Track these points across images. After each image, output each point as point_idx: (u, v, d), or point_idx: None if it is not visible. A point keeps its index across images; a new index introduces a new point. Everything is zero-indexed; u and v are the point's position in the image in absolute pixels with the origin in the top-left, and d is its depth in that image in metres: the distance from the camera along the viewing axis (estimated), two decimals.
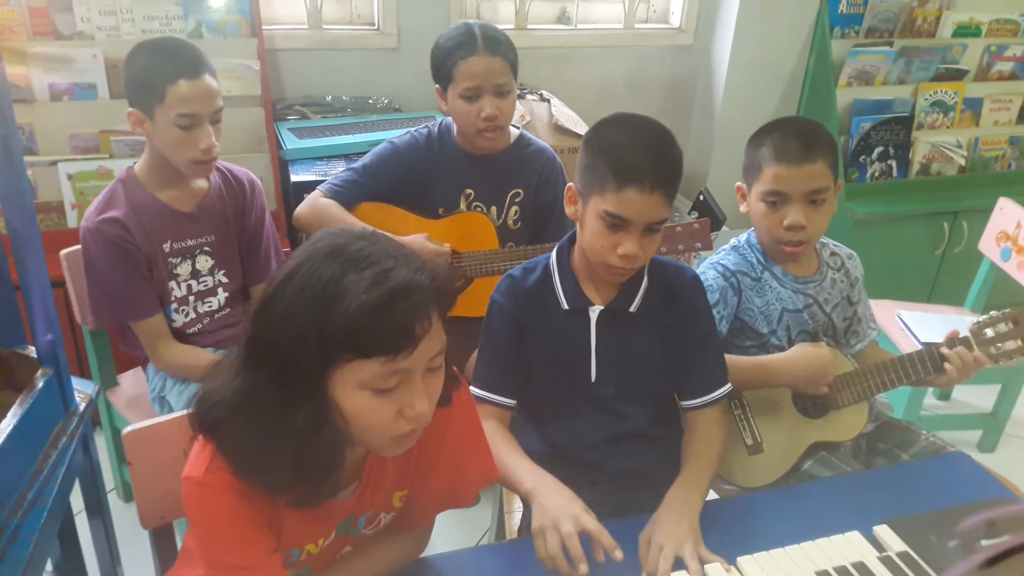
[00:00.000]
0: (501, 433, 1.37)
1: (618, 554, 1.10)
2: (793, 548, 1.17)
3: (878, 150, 3.23)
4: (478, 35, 1.88)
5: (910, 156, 3.28)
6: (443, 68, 1.91)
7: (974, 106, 3.35)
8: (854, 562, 1.15)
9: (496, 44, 1.89)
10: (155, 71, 1.63)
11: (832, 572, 1.13)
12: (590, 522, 1.13)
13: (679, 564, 1.15)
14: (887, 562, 1.15)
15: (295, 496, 0.95)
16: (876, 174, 3.26)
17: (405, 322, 0.86)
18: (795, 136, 1.50)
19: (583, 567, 1.09)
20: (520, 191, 2.07)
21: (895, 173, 3.28)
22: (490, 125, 1.92)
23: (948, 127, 3.33)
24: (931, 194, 3.24)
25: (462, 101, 1.90)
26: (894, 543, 1.18)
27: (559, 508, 1.15)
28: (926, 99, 3.27)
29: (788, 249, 1.54)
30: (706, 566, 1.15)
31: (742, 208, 1.63)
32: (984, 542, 1.15)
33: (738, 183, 1.62)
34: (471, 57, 1.87)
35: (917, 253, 3.16)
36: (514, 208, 2.07)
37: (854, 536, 1.20)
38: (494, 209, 2.06)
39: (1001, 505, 1.26)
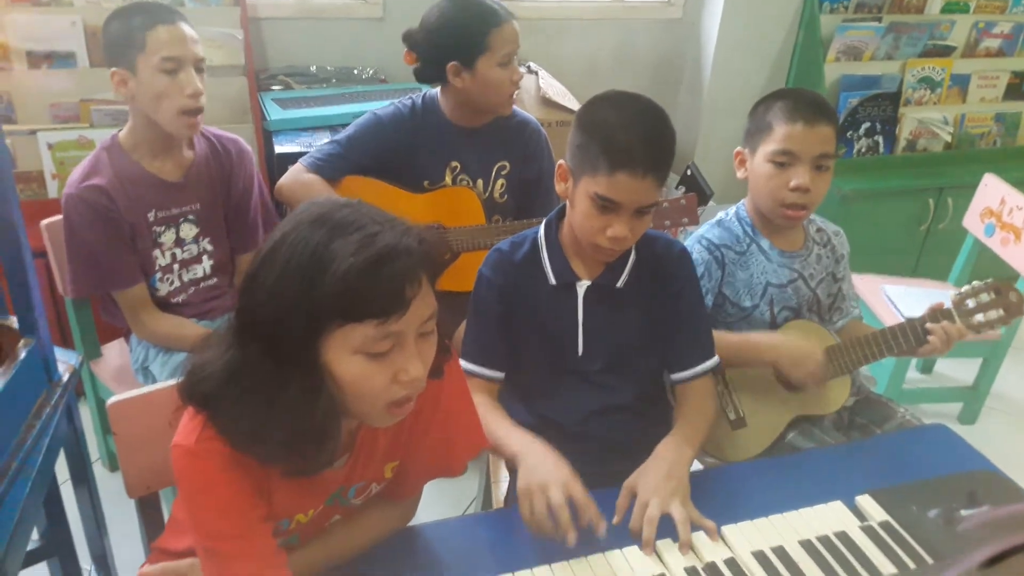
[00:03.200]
0: (489, 403, 1.37)
1: (601, 529, 1.11)
2: (776, 517, 1.18)
3: (865, 126, 3.24)
4: (494, 4, 1.90)
5: (897, 132, 3.29)
6: (472, 39, 1.87)
7: (961, 83, 3.36)
8: (836, 531, 1.16)
9: (508, 11, 1.92)
10: (132, 23, 1.64)
11: (815, 541, 1.15)
12: (578, 491, 1.14)
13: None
14: (869, 531, 1.17)
15: (290, 467, 0.95)
16: (863, 150, 3.27)
17: (394, 284, 0.86)
18: (808, 99, 1.52)
19: (572, 536, 1.09)
20: (506, 164, 2.06)
21: (882, 149, 3.29)
22: (517, 88, 1.96)
23: (935, 103, 3.34)
24: (917, 170, 3.26)
25: (499, 68, 1.90)
26: (876, 513, 1.20)
27: (547, 472, 1.16)
28: (914, 75, 3.27)
29: (789, 213, 1.53)
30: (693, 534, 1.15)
31: (740, 174, 1.62)
32: (963, 512, 1.17)
33: (738, 148, 1.61)
34: (504, 24, 1.88)
35: (902, 228, 3.18)
36: (500, 181, 2.06)
37: (837, 506, 1.22)
38: (480, 182, 2.05)
39: (980, 477, 1.28)
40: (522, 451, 1.23)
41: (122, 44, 1.64)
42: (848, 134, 3.23)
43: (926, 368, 2.94)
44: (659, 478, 1.21)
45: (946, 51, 3.31)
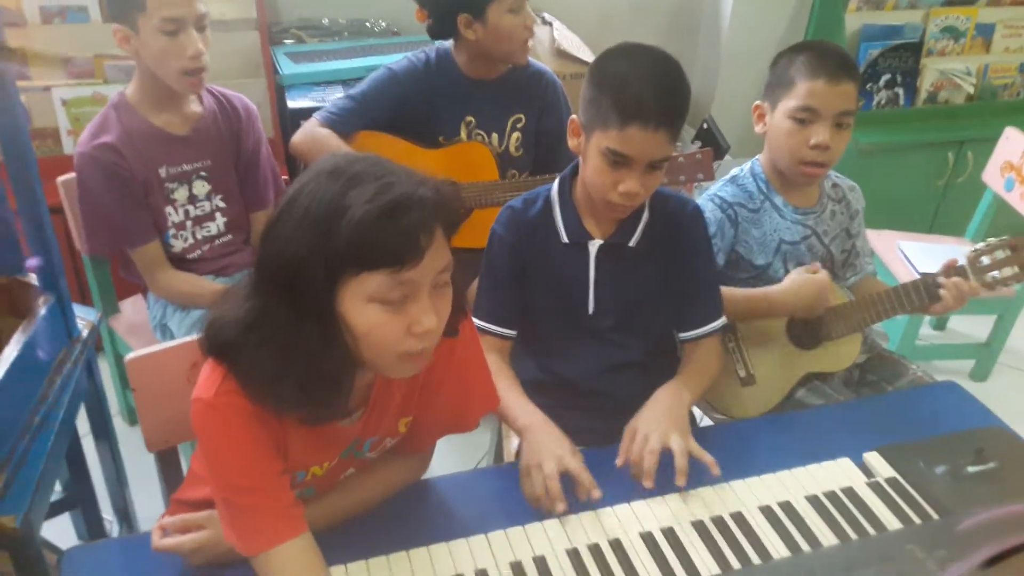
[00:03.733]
0: (501, 367, 1.38)
1: (596, 493, 1.13)
2: (784, 473, 1.20)
3: (885, 77, 3.17)
4: None
5: (918, 84, 3.22)
6: None
7: (985, 32, 3.27)
8: (843, 487, 1.18)
9: None
10: None
11: (822, 497, 1.16)
12: (572, 463, 1.16)
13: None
14: (875, 488, 1.18)
15: (306, 415, 0.97)
16: (882, 102, 3.21)
17: (409, 232, 0.87)
18: (832, 54, 1.49)
19: (560, 506, 1.12)
20: (522, 116, 2.05)
21: (902, 101, 3.22)
22: (531, 35, 1.95)
23: (958, 54, 3.26)
24: (937, 123, 3.19)
25: (510, 15, 1.89)
26: (883, 469, 1.21)
27: (545, 449, 1.19)
28: (937, 24, 3.19)
29: (808, 170, 1.52)
30: (688, 492, 1.16)
31: (758, 129, 1.59)
32: (971, 469, 1.18)
33: (757, 102, 1.59)
34: None
35: (920, 183, 3.13)
36: (516, 135, 2.05)
37: (844, 463, 1.23)
38: (495, 136, 2.04)
39: (988, 434, 1.28)
40: (527, 427, 1.25)
41: (123, 1, 1.63)
42: (868, 86, 3.16)
43: (939, 325, 2.93)
44: (658, 414, 1.24)
45: None
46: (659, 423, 1.21)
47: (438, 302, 0.95)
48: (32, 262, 1.39)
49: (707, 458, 1.18)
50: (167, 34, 1.63)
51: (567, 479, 1.15)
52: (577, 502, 1.14)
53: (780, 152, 1.54)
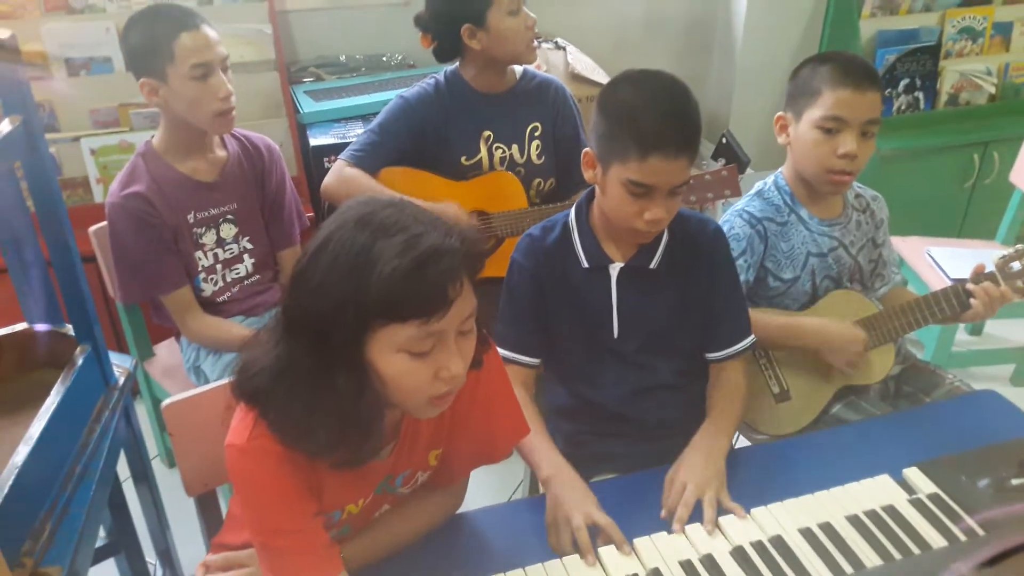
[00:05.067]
0: (527, 403, 1.38)
1: (627, 548, 1.13)
2: (823, 493, 1.18)
3: (904, 82, 3.15)
4: None
5: (937, 87, 3.20)
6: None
7: (1004, 31, 3.24)
8: (884, 506, 1.16)
9: None
10: (156, 34, 1.65)
11: (862, 516, 1.14)
12: (601, 517, 1.16)
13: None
14: (917, 504, 1.16)
15: (338, 459, 0.98)
16: (902, 107, 3.18)
17: (438, 285, 0.88)
18: (857, 63, 1.49)
19: (590, 558, 1.12)
20: (538, 124, 2.07)
21: (922, 105, 3.20)
22: (534, 34, 1.97)
23: (977, 54, 3.23)
24: (960, 125, 3.16)
25: (511, 17, 1.92)
26: (924, 485, 1.19)
27: (572, 502, 1.18)
28: (953, 26, 3.17)
29: (836, 179, 1.50)
30: (720, 518, 1.17)
31: (781, 140, 1.59)
32: (1015, 481, 1.16)
33: (779, 113, 1.58)
34: None
35: (946, 187, 3.09)
36: (535, 143, 2.07)
37: (884, 480, 1.21)
38: (515, 147, 2.06)
39: None
40: (551, 478, 1.25)
41: (148, 55, 1.66)
42: (887, 92, 3.14)
43: (976, 330, 2.88)
44: (698, 467, 1.25)
45: None
46: (698, 476, 1.23)
47: (463, 346, 0.97)
48: (40, 327, 1.43)
49: (736, 509, 1.19)
50: (197, 79, 1.67)
51: (593, 529, 1.15)
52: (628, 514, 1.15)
53: (807, 162, 1.54)
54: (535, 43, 1.98)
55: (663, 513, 1.20)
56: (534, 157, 2.07)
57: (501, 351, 1.41)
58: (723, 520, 1.16)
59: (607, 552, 1.12)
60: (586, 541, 1.13)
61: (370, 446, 0.99)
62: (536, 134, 2.07)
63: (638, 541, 1.13)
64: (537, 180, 2.09)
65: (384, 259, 0.87)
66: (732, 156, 2.35)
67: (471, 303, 0.95)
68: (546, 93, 2.08)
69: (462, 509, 1.24)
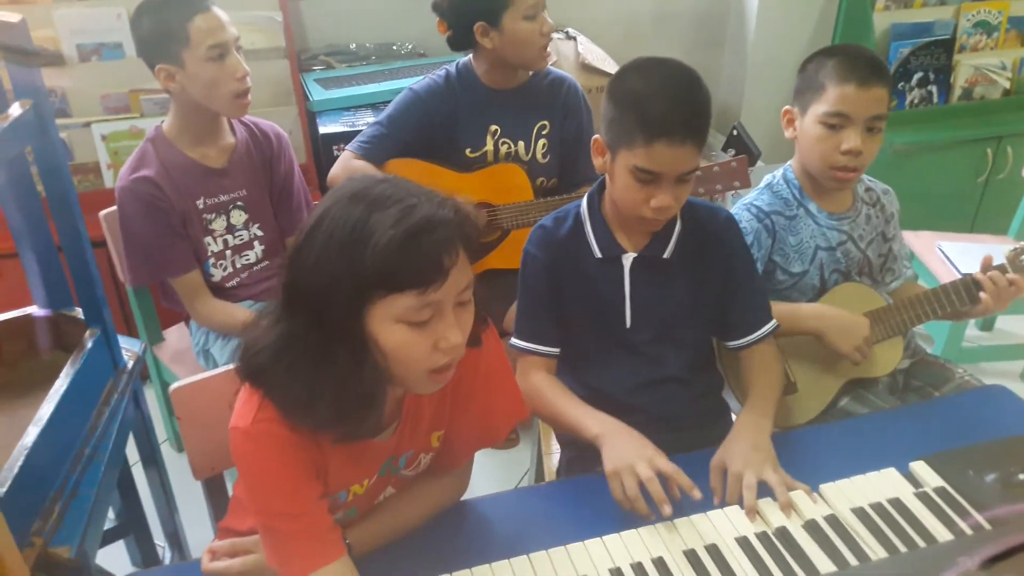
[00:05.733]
0: (553, 383, 1.39)
1: (696, 493, 1.13)
2: (828, 486, 1.18)
3: (917, 76, 3.13)
4: None
5: (951, 80, 3.17)
6: None
7: (1019, 25, 3.21)
8: (890, 498, 1.16)
9: None
10: (168, 19, 1.66)
11: (868, 509, 1.14)
12: (665, 463, 1.16)
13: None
14: (923, 498, 1.15)
15: (341, 433, 0.99)
16: (915, 101, 3.16)
17: (433, 254, 0.89)
18: (863, 57, 1.47)
19: (667, 508, 1.12)
20: (546, 123, 2.06)
21: (935, 99, 3.17)
22: (548, 41, 1.95)
23: (992, 48, 3.21)
24: (974, 119, 3.14)
25: (525, 22, 1.90)
26: (931, 479, 1.19)
27: (633, 450, 1.18)
28: (968, 20, 3.14)
29: (840, 175, 1.50)
30: (729, 508, 1.16)
31: (788, 134, 1.58)
32: (1022, 476, 1.15)
33: (786, 107, 1.58)
34: None
35: (959, 181, 3.07)
36: (542, 141, 2.06)
37: (890, 473, 1.21)
38: (521, 144, 2.05)
39: None
40: (603, 433, 1.25)
41: (163, 40, 1.67)
42: (900, 85, 3.12)
43: (986, 325, 2.86)
44: (747, 450, 1.23)
45: None
46: (750, 460, 1.21)
47: (462, 317, 0.97)
48: (40, 311, 1.44)
49: (801, 486, 1.18)
50: (214, 60, 1.67)
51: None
52: (617, 520, 1.14)
53: (811, 157, 1.53)
54: (548, 50, 1.97)
55: (716, 500, 1.19)
56: (539, 155, 2.07)
57: (520, 342, 1.42)
58: (725, 512, 1.16)
59: (613, 540, 1.11)
60: (660, 491, 1.12)
61: (372, 420, 0.99)
62: (544, 132, 2.06)
63: (642, 530, 1.13)
64: (540, 179, 2.08)
65: (379, 231, 0.87)
66: (743, 148, 2.34)
67: (467, 274, 0.96)
68: (558, 91, 2.07)
69: (468, 496, 1.25)
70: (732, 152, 2.23)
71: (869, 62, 1.46)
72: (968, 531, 1.10)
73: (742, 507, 1.16)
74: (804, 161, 1.57)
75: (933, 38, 3.11)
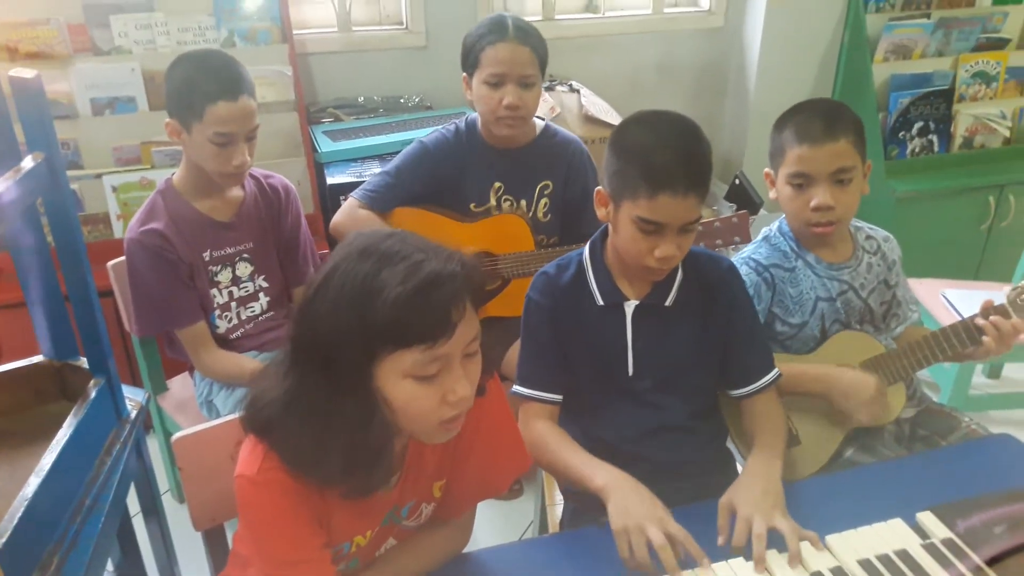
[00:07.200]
0: (556, 431, 1.38)
1: (705, 562, 1.11)
2: (834, 537, 1.16)
3: (918, 125, 3.16)
4: (509, 24, 1.90)
5: (952, 130, 3.21)
6: (471, 54, 1.93)
7: (1018, 75, 3.26)
8: (897, 550, 1.14)
9: (526, 35, 1.91)
10: (196, 88, 1.66)
11: (874, 560, 1.12)
12: (676, 528, 1.13)
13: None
14: (931, 549, 1.14)
15: (348, 488, 0.99)
16: (916, 150, 3.19)
17: (441, 309, 0.90)
18: (817, 116, 1.50)
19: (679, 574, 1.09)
20: (549, 183, 2.08)
21: (936, 148, 3.21)
22: (510, 115, 1.92)
23: (991, 98, 3.25)
24: (975, 168, 3.17)
25: (485, 87, 1.91)
26: (938, 530, 1.17)
27: (643, 509, 1.15)
28: (967, 70, 3.19)
29: (817, 230, 1.52)
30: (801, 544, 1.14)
31: (771, 194, 1.62)
32: None
33: (766, 169, 1.61)
34: (499, 43, 1.88)
35: (962, 229, 3.09)
36: (544, 200, 2.08)
37: (896, 523, 1.19)
38: (523, 202, 2.07)
39: None
40: (609, 485, 1.22)
41: (182, 102, 1.68)
42: (901, 135, 3.16)
43: (993, 373, 2.84)
44: (757, 494, 1.21)
45: (1000, 43, 3.22)
46: (760, 505, 1.19)
47: (469, 368, 0.98)
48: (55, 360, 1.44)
49: (809, 535, 1.16)
50: (216, 144, 1.69)
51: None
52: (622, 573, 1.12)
53: (789, 216, 1.58)
54: (512, 122, 1.93)
55: (720, 540, 1.17)
56: (540, 214, 2.09)
57: (523, 389, 1.42)
58: (731, 564, 1.14)
59: None
60: (671, 560, 1.09)
61: (380, 474, 1.00)
62: (546, 192, 2.08)
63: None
64: (540, 236, 2.09)
65: (388, 286, 0.88)
66: (745, 197, 2.37)
67: (474, 326, 0.97)
68: (564, 152, 2.07)
69: (470, 548, 1.23)
70: (733, 206, 2.26)
71: (822, 121, 1.48)
72: None
73: (747, 557, 1.14)
74: (787, 219, 1.61)
75: (933, 88, 3.16)
